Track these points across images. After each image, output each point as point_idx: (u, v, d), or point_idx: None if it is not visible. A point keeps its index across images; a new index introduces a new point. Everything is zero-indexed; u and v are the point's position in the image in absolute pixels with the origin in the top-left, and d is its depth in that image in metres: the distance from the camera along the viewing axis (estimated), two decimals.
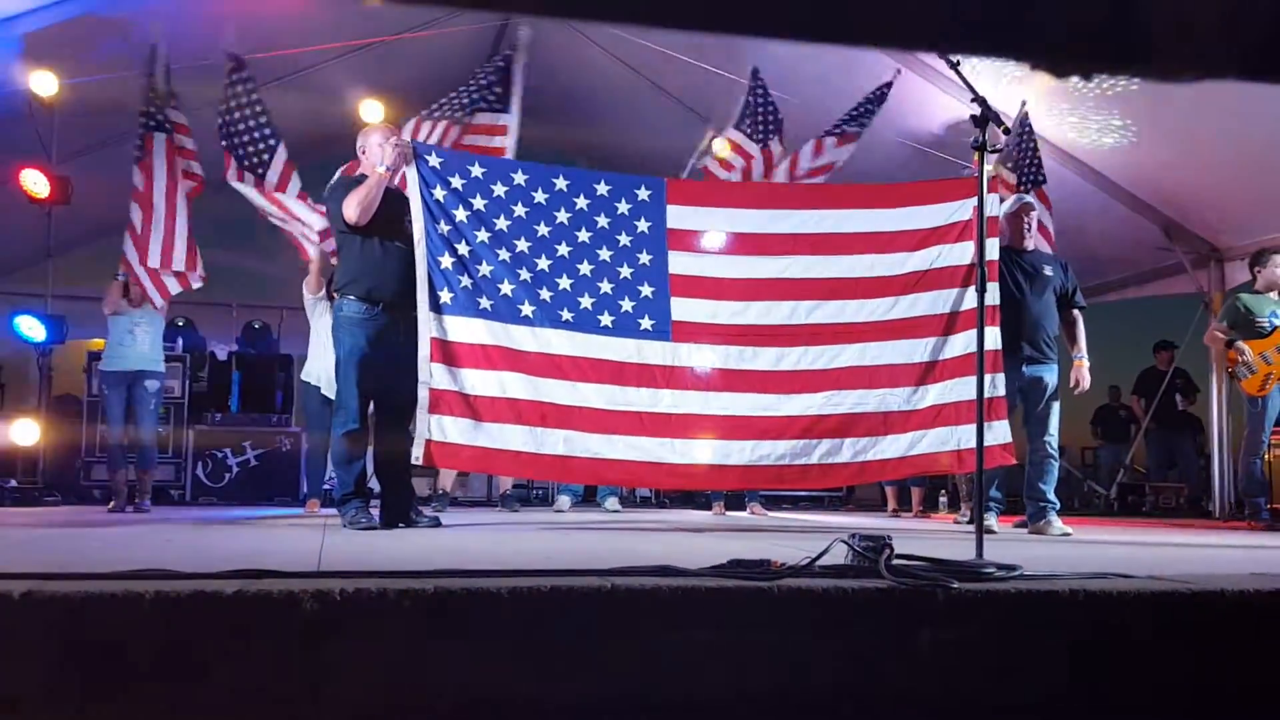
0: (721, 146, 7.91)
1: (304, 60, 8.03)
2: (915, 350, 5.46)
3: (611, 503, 8.06)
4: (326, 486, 7.35)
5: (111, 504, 7.09)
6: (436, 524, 5.17)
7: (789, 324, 5.47)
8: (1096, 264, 9.37)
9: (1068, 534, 5.23)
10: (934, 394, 5.42)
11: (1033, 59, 0.76)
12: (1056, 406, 5.67)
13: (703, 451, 5.39)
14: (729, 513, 7.77)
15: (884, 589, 2.07)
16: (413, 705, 1.84)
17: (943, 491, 9.48)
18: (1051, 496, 5.53)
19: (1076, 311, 5.89)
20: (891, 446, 5.43)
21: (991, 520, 5.57)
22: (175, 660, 1.77)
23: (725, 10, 0.76)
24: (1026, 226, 5.80)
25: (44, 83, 7.13)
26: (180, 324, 10.25)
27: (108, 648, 1.75)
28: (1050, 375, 5.67)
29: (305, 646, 1.82)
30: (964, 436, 5.30)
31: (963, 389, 5.34)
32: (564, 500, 8.25)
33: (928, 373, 5.44)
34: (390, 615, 1.85)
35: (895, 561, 2.21)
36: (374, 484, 5.33)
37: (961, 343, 5.40)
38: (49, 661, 1.73)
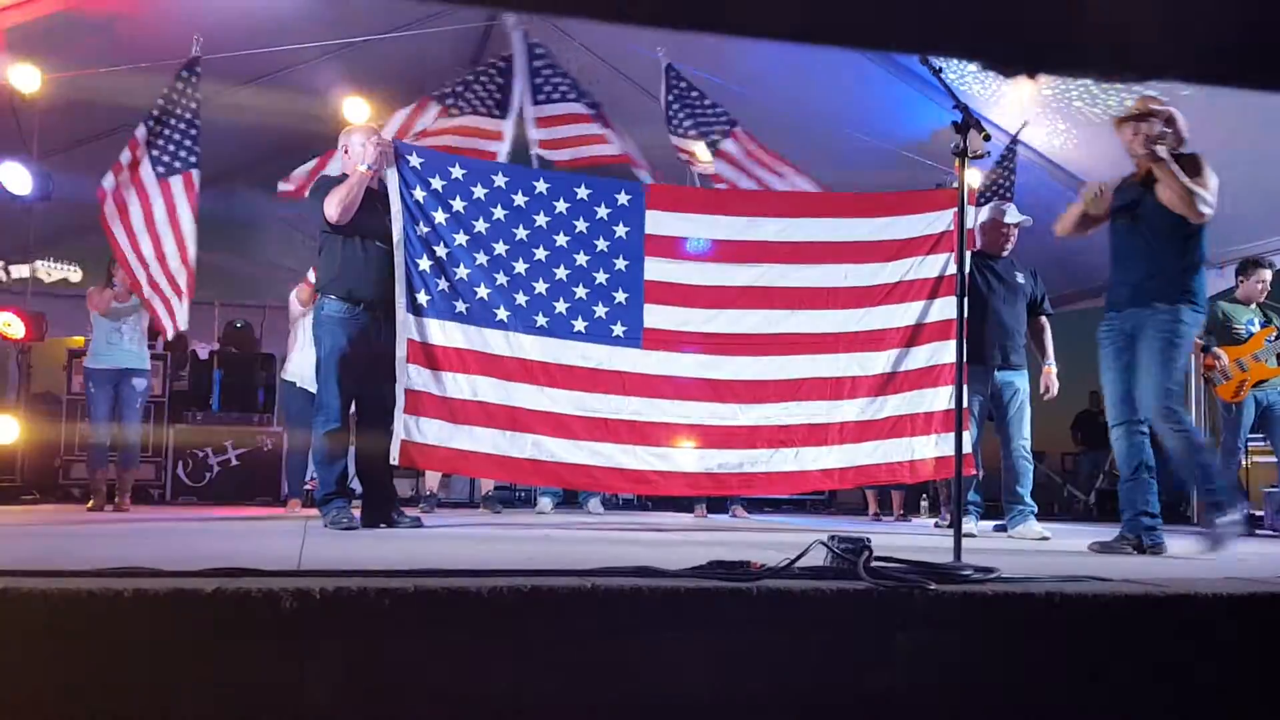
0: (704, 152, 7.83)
1: (286, 59, 7.99)
2: (878, 362, 5.50)
3: (594, 505, 8.06)
4: (308, 486, 7.33)
5: (91, 503, 7.05)
6: (418, 524, 5.17)
7: (759, 333, 5.50)
8: (1079, 270, 9.42)
9: (1046, 538, 5.27)
10: (891, 405, 5.47)
11: (982, 59, 0.78)
12: (1028, 411, 5.75)
13: (660, 459, 5.43)
14: (710, 515, 7.78)
15: (862, 590, 2.08)
16: (392, 705, 1.84)
17: (924, 495, 9.51)
18: (1029, 500, 5.57)
19: (1044, 318, 5.96)
20: (844, 456, 5.47)
21: (971, 524, 5.61)
22: (154, 659, 1.77)
23: (709, 11, 0.77)
24: (1005, 235, 5.85)
25: (26, 77, 7.07)
26: None
27: (85, 645, 1.74)
28: (1021, 381, 5.75)
29: (285, 645, 1.82)
30: (918, 446, 5.40)
31: (920, 401, 5.42)
32: (546, 502, 8.23)
33: (887, 383, 5.49)
34: (370, 614, 1.85)
35: (874, 563, 2.23)
36: (356, 484, 5.32)
37: (924, 355, 5.46)
38: (24, 659, 1.73)
